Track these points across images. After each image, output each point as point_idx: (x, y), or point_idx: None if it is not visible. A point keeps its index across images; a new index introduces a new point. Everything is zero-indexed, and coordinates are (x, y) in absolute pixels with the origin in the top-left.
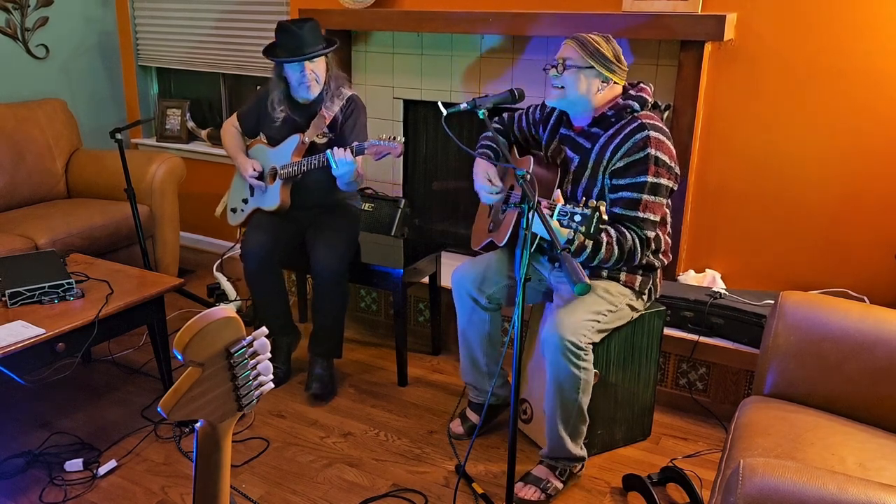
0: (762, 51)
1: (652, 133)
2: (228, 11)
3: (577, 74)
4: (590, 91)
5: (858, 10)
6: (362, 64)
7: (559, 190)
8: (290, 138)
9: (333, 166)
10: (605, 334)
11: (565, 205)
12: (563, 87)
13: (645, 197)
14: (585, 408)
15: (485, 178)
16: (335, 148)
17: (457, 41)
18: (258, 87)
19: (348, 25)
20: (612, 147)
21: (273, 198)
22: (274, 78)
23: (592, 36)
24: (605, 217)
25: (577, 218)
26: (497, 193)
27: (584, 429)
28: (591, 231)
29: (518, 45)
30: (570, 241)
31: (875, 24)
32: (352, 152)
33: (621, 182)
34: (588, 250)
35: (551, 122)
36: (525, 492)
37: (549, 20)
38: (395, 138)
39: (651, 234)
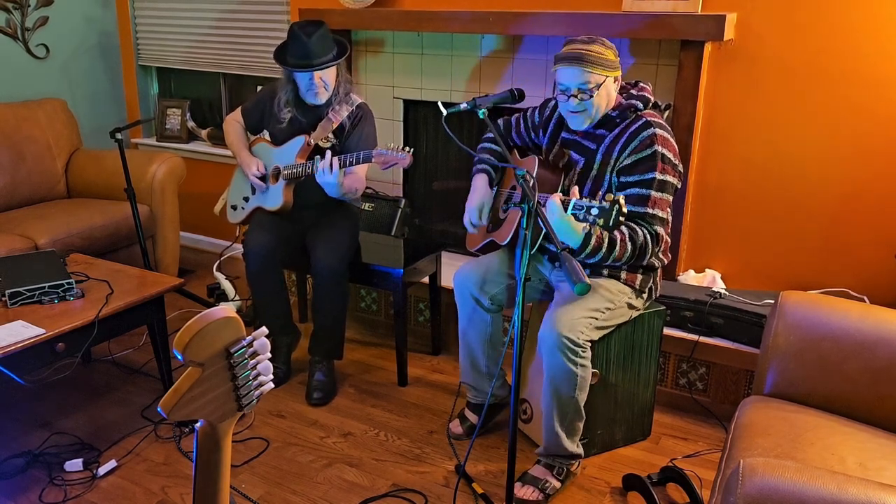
0: (762, 51)
1: (658, 130)
2: (229, 11)
3: (599, 93)
4: (610, 99)
5: (858, 11)
6: (362, 64)
7: (576, 187)
8: (295, 139)
9: (315, 173)
10: (605, 332)
11: (581, 199)
12: (585, 110)
13: (653, 193)
14: (582, 405)
15: (477, 208)
16: (321, 158)
17: (457, 41)
18: (259, 88)
19: (348, 25)
20: (619, 146)
21: (276, 198)
22: (283, 79)
23: (592, 48)
24: (626, 210)
25: (594, 211)
26: (474, 227)
27: (581, 426)
28: (611, 224)
29: (518, 44)
30: (587, 237)
31: (875, 24)
32: (350, 164)
33: (629, 179)
34: (603, 250)
35: (552, 125)
36: (523, 492)
37: (549, 20)
38: (403, 148)
39: (660, 230)
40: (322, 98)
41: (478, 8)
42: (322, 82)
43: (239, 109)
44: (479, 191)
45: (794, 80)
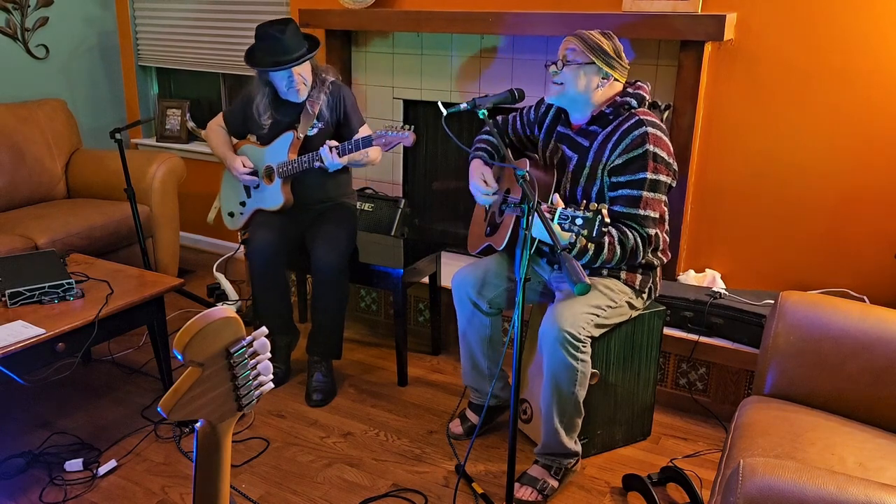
0: (762, 51)
1: (650, 129)
2: (228, 11)
3: (577, 71)
4: (589, 88)
5: (858, 10)
6: (362, 64)
7: (556, 194)
8: (284, 135)
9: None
10: (604, 330)
11: (566, 208)
12: (562, 84)
13: (645, 194)
14: (581, 401)
15: (479, 178)
16: (324, 149)
17: (457, 41)
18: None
19: (348, 25)
20: (610, 144)
21: (276, 197)
22: (257, 83)
23: (593, 32)
24: (608, 220)
25: (579, 221)
26: (492, 194)
27: (579, 423)
28: (594, 235)
29: (518, 45)
30: (571, 245)
31: (874, 23)
32: (338, 153)
33: (621, 179)
34: (591, 252)
35: (547, 121)
36: (521, 492)
37: (549, 20)
38: (404, 127)
39: (652, 231)
40: (303, 94)
41: (478, 8)
42: (301, 78)
43: (221, 115)
44: (476, 168)
45: (794, 80)
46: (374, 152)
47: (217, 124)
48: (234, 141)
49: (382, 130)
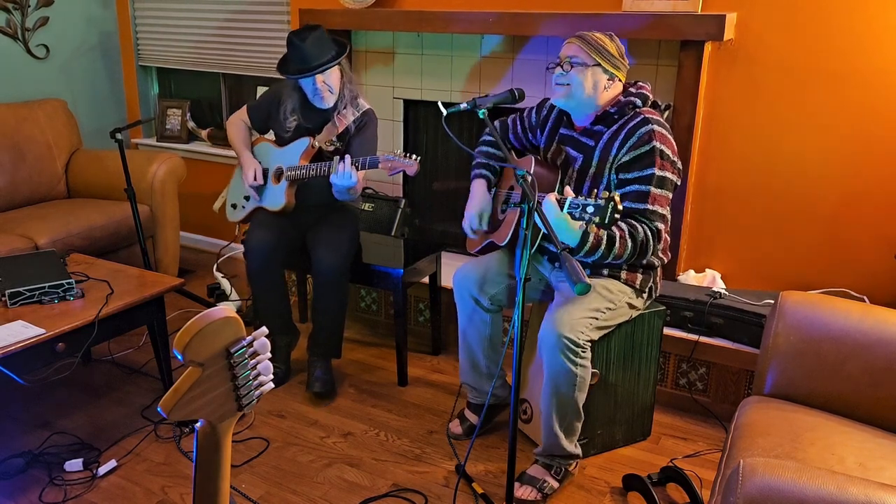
0: (762, 51)
1: (656, 127)
2: (229, 11)
3: (584, 72)
4: (596, 89)
5: (858, 11)
6: (362, 64)
7: (567, 187)
8: (300, 140)
9: (333, 173)
10: (605, 332)
11: (576, 197)
12: (568, 85)
13: (653, 189)
14: (581, 405)
15: (477, 214)
16: (344, 158)
17: (457, 41)
18: (259, 88)
19: (348, 25)
20: (617, 143)
21: (278, 198)
22: (288, 88)
23: (595, 33)
24: (621, 207)
25: (590, 209)
26: (474, 233)
27: (579, 427)
28: (607, 221)
29: (518, 45)
30: (584, 234)
31: (875, 24)
32: (356, 168)
33: (629, 176)
34: (602, 247)
35: (549, 123)
36: (521, 492)
37: (549, 20)
38: (411, 156)
39: (661, 226)
40: (329, 101)
41: (478, 8)
42: (326, 85)
43: (245, 108)
44: (479, 196)
45: (794, 80)
46: (360, 182)
47: (240, 118)
48: (254, 136)
49: (389, 154)
